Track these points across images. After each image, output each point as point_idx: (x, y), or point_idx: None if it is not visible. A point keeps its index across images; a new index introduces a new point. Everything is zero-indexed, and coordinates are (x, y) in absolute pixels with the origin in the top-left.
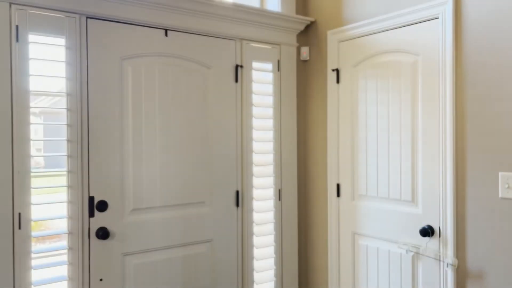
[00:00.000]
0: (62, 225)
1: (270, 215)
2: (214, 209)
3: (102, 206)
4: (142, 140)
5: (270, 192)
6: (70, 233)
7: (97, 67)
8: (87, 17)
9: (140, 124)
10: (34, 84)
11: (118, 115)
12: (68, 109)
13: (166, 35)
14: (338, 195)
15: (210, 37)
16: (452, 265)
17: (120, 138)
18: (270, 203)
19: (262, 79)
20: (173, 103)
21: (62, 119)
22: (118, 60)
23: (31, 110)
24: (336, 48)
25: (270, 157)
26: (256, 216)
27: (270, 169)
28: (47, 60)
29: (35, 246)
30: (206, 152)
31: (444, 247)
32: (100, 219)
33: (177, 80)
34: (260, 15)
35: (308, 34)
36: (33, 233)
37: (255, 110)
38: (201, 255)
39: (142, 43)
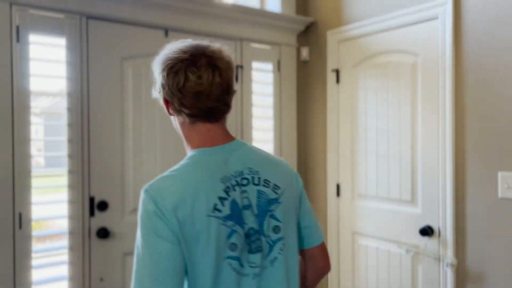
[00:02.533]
0: (63, 224)
1: None
2: None
3: (103, 206)
4: (143, 140)
5: None
6: (70, 232)
7: (98, 67)
8: (87, 18)
9: (140, 124)
10: (34, 84)
11: (119, 115)
12: (68, 109)
13: (166, 35)
14: (338, 195)
15: (210, 38)
16: (451, 265)
17: (120, 138)
18: None
19: (262, 80)
20: None
21: (63, 119)
22: (119, 60)
23: (32, 110)
24: (336, 48)
25: None
26: None
27: None
28: (47, 61)
29: (35, 245)
30: None
31: (443, 247)
32: (101, 219)
33: None
34: (260, 15)
35: (308, 34)
36: (34, 233)
37: (255, 110)
38: None
39: (143, 43)
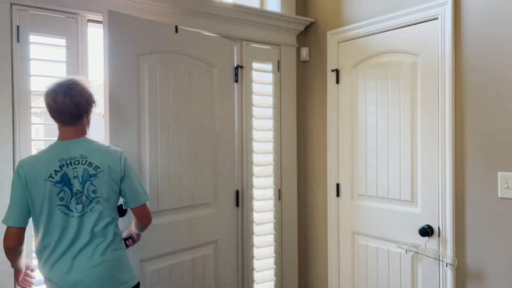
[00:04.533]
0: None
1: (270, 215)
2: (218, 209)
3: None
4: (146, 142)
5: (270, 192)
6: None
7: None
8: (88, 19)
9: (144, 124)
10: (35, 84)
11: (136, 112)
12: None
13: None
14: (338, 195)
15: (211, 37)
16: (451, 264)
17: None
18: (270, 203)
19: (262, 80)
20: (178, 104)
21: None
22: (135, 57)
23: (32, 110)
24: (335, 48)
25: (270, 157)
26: (256, 216)
27: (270, 169)
28: (48, 61)
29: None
30: (210, 152)
31: (443, 247)
32: None
33: (179, 79)
34: (260, 15)
35: (308, 34)
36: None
37: (255, 111)
38: (207, 257)
39: (155, 39)
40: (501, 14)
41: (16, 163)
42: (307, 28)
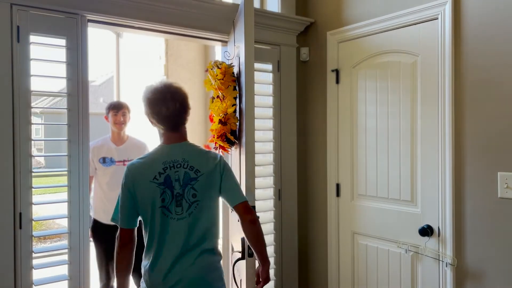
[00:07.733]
0: (63, 225)
1: (270, 215)
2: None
3: None
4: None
5: (270, 192)
6: (71, 232)
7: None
8: (88, 19)
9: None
10: (35, 84)
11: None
12: (68, 109)
13: None
14: (338, 195)
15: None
16: (451, 264)
17: None
18: (270, 203)
19: (262, 80)
20: None
21: (63, 119)
22: None
23: (32, 110)
24: (335, 48)
25: (270, 157)
26: None
27: (270, 169)
28: (48, 61)
29: (36, 245)
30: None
31: (443, 247)
32: None
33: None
34: (260, 15)
35: (308, 34)
36: (34, 233)
37: (255, 111)
38: None
39: None
40: (500, 14)
41: (16, 162)
42: (307, 28)
